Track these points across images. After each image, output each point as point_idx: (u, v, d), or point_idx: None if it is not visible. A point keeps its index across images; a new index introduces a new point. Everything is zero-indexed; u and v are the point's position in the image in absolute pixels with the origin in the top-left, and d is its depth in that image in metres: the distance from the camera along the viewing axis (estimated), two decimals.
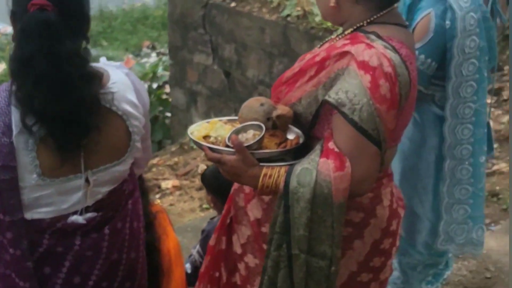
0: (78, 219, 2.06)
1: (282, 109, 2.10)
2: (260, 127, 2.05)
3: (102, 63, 2.10)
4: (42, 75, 1.87)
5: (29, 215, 2.02)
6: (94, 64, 2.05)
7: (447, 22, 2.77)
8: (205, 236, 3.31)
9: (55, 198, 2.02)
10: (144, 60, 11.15)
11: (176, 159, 6.80)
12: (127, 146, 2.06)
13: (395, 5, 2.12)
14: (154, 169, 6.61)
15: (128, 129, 2.04)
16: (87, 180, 2.03)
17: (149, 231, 2.51)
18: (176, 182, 6.16)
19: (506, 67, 5.70)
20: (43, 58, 1.86)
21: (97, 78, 1.96)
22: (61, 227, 2.04)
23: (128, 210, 2.16)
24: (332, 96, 1.99)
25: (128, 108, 2.03)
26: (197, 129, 2.12)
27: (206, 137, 2.10)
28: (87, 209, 2.07)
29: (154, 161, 6.87)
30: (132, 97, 2.05)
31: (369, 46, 2.00)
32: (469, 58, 2.82)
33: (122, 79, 2.05)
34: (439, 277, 3.26)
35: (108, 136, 2.00)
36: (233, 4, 7.33)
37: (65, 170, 1.98)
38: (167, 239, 2.71)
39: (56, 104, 1.89)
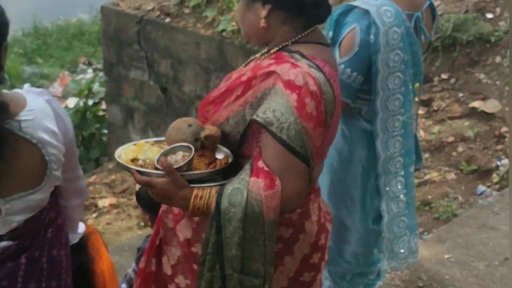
0: None
1: (210, 129, 2.11)
2: (189, 148, 2.05)
3: (24, 90, 2.07)
4: None
5: None
6: (15, 91, 2.02)
7: (371, 36, 2.83)
8: (141, 254, 3.29)
9: None
10: (81, 76, 11.04)
11: (113, 176, 6.75)
12: (44, 175, 2.01)
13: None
14: (91, 188, 6.53)
15: (44, 157, 1.99)
16: None
17: (82, 253, 2.49)
18: (113, 200, 6.11)
19: (436, 78, 5.84)
20: None
21: (0, 108, 1.91)
22: None
23: (47, 238, 2.11)
24: (260, 115, 2.02)
25: (45, 136, 1.98)
26: (125, 152, 2.10)
27: (134, 160, 2.08)
28: (2, 238, 2.02)
29: (91, 179, 6.81)
30: (51, 125, 2.01)
31: (294, 65, 2.04)
32: (394, 71, 2.88)
33: (40, 106, 2.01)
34: (370, 287, 3.32)
35: (21, 164, 1.96)
36: (168, 20, 7.34)
37: None
38: (100, 260, 2.68)
39: None
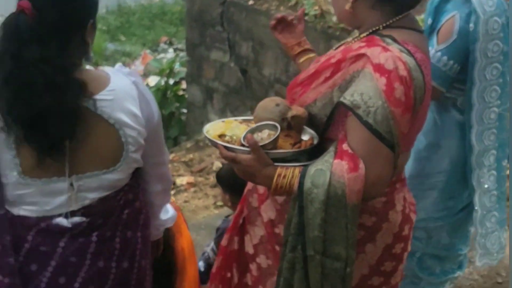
0: (63, 222, 2.02)
1: (297, 110, 2.10)
2: (275, 127, 2.05)
3: (114, 69, 2.08)
4: (8, 76, 1.87)
5: (16, 211, 2.02)
6: (103, 69, 2.03)
7: (471, 25, 2.77)
8: (220, 234, 3.31)
9: (38, 198, 2.00)
10: (161, 55, 11.20)
11: (191, 155, 6.80)
12: (120, 156, 2.01)
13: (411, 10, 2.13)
14: (169, 165, 6.60)
15: (121, 138, 1.99)
16: (72, 184, 2.00)
17: (164, 230, 2.52)
18: (191, 178, 6.15)
19: None
20: (9, 59, 1.87)
21: (76, 86, 1.91)
22: (46, 228, 2.02)
23: (122, 219, 2.11)
24: (347, 98, 1.98)
25: (123, 117, 1.98)
26: (213, 128, 2.12)
27: (221, 136, 2.09)
28: (74, 213, 2.04)
29: (170, 157, 6.88)
30: (132, 106, 2.00)
31: (385, 49, 2.00)
32: (492, 62, 2.82)
33: (123, 87, 2.00)
34: (448, 274, 3.23)
35: (95, 143, 1.97)
36: (251, 2, 7.34)
37: (48, 171, 1.96)
38: (181, 237, 2.72)
39: (20, 108, 1.87)
